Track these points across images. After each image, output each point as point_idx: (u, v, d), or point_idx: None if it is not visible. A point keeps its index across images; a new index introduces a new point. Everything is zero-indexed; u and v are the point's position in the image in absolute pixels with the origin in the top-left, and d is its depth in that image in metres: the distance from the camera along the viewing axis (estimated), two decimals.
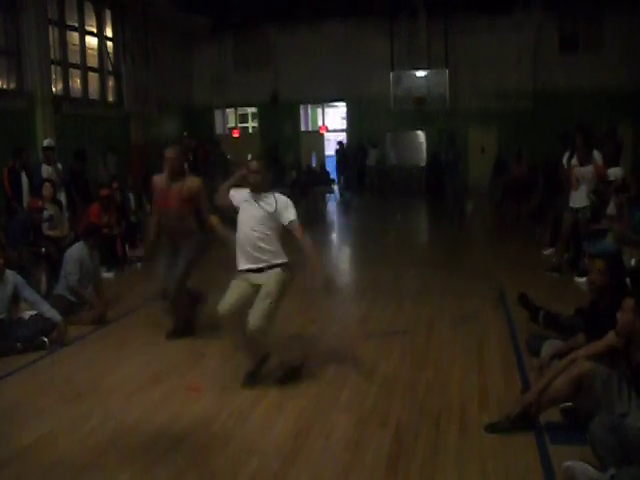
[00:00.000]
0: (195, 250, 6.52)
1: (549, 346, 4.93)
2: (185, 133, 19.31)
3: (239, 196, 5.40)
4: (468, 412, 4.64)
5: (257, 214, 5.24)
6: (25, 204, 10.06)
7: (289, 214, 5.23)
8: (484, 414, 4.57)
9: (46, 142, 11.67)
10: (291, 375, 5.36)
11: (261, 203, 5.26)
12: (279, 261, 5.26)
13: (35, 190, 10.08)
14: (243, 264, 5.28)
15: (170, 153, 6.45)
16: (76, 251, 7.57)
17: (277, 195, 5.35)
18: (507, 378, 5.26)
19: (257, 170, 5.32)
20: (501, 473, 3.81)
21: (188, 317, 6.73)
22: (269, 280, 5.17)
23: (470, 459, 3.97)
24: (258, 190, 5.32)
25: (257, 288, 5.17)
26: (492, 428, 4.29)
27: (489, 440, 4.18)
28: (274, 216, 5.21)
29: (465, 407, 4.73)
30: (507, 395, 4.88)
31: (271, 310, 5.12)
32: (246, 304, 5.13)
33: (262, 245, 5.22)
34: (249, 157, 20.50)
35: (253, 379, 5.29)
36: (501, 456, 3.98)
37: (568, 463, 3.63)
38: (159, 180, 6.59)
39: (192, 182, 6.49)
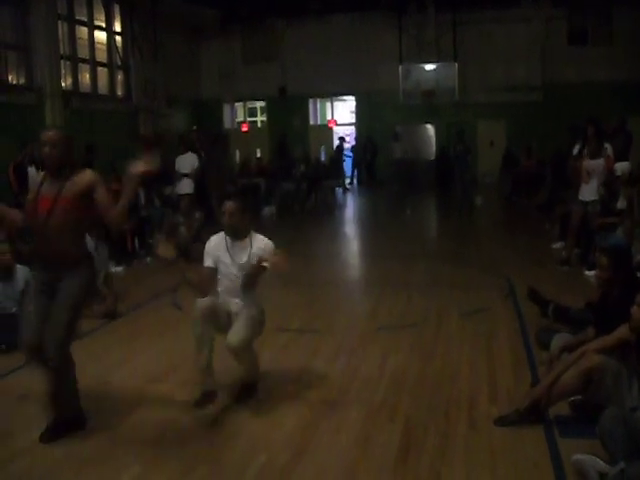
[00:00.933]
0: (81, 289, 4.29)
1: (559, 339, 4.92)
2: (194, 127, 19.33)
3: (214, 252, 4.89)
4: (477, 406, 4.64)
5: (236, 264, 4.81)
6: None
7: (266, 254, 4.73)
8: (493, 407, 4.57)
9: None
10: (247, 393, 4.92)
11: (243, 251, 4.83)
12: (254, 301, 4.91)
13: None
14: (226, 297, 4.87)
15: (46, 136, 4.26)
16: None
17: (258, 239, 4.89)
18: (516, 371, 5.25)
19: (232, 212, 4.80)
20: (510, 466, 3.80)
21: (76, 404, 4.45)
22: (248, 309, 4.80)
23: (479, 452, 3.97)
24: (236, 235, 4.87)
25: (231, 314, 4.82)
26: (501, 421, 4.29)
27: (498, 433, 4.17)
28: (254, 261, 4.76)
29: (474, 401, 4.73)
30: (516, 388, 4.87)
31: (251, 335, 4.72)
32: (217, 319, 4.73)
33: (237, 292, 4.85)
34: (258, 152, 20.63)
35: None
36: (510, 449, 3.98)
37: (577, 456, 3.63)
38: (33, 178, 4.76)
39: (81, 177, 4.26)
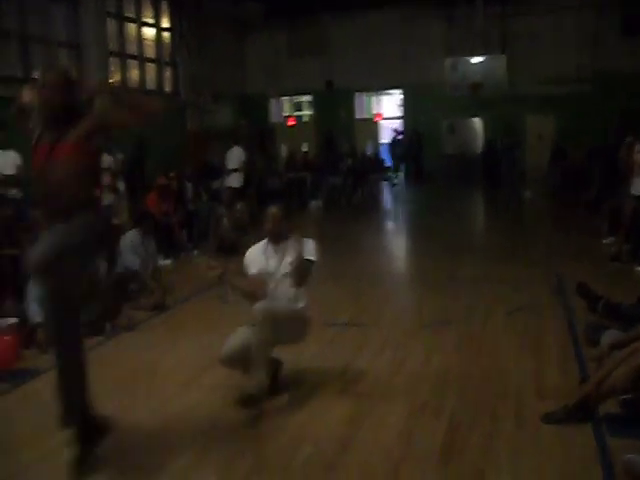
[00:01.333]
0: (79, 228, 3.70)
1: (609, 336, 4.85)
2: (243, 121, 19.45)
3: (256, 261, 4.98)
4: (524, 403, 4.59)
5: (275, 268, 4.91)
6: None
7: (308, 255, 4.82)
8: (540, 404, 4.50)
9: None
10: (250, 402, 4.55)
11: (283, 254, 4.91)
12: (300, 305, 4.94)
13: None
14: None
15: (46, 77, 3.89)
16: (129, 238, 7.77)
17: (297, 240, 4.91)
18: (565, 368, 5.18)
19: (276, 218, 4.94)
20: (557, 465, 3.75)
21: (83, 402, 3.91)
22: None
23: (525, 451, 3.92)
24: (276, 239, 4.97)
25: None
26: (549, 418, 4.23)
27: (545, 431, 4.12)
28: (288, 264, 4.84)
29: (521, 397, 4.68)
30: (564, 385, 4.80)
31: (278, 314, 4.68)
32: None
33: (285, 295, 4.92)
34: (304, 147, 20.65)
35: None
36: (557, 447, 3.93)
37: (628, 457, 3.56)
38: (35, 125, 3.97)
39: (86, 119, 3.83)
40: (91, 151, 3.80)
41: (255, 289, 4.84)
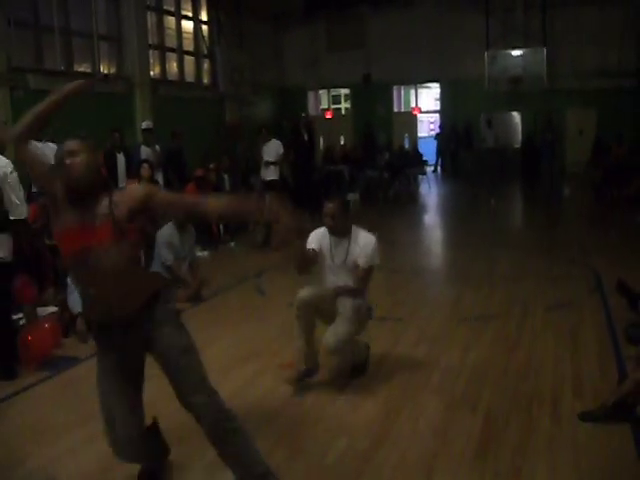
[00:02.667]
0: (182, 332, 3.48)
1: None
2: (303, 114, 19.44)
3: (319, 241, 4.94)
4: (561, 400, 4.55)
5: (337, 263, 4.91)
6: (122, 184, 10.32)
7: (367, 259, 4.84)
8: (578, 402, 4.47)
9: (145, 124, 11.99)
10: (358, 371, 5.11)
11: (346, 249, 4.88)
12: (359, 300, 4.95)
13: (133, 171, 10.38)
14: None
15: (73, 145, 3.16)
16: (165, 231, 7.85)
17: (362, 236, 4.91)
18: (603, 366, 5.12)
19: (332, 214, 4.84)
20: (595, 464, 3.71)
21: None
22: (352, 305, 4.84)
23: (562, 448, 3.89)
24: (337, 234, 4.91)
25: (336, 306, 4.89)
26: (586, 417, 4.18)
27: (582, 429, 4.08)
28: (354, 261, 4.84)
29: (558, 394, 4.64)
30: (602, 384, 4.75)
31: (349, 336, 4.78)
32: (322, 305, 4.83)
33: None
34: (341, 140, 20.60)
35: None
36: (595, 446, 3.89)
37: None
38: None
39: (130, 191, 3.38)
40: (135, 233, 3.25)
41: (302, 258, 4.74)
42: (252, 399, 4.75)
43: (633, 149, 15.61)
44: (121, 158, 10.64)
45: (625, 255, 9.10)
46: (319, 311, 4.83)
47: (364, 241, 4.88)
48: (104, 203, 3.15)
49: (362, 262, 4.83)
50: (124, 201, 3.18)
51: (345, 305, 4.82)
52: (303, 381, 4.92)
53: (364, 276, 4.87)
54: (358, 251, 4.83)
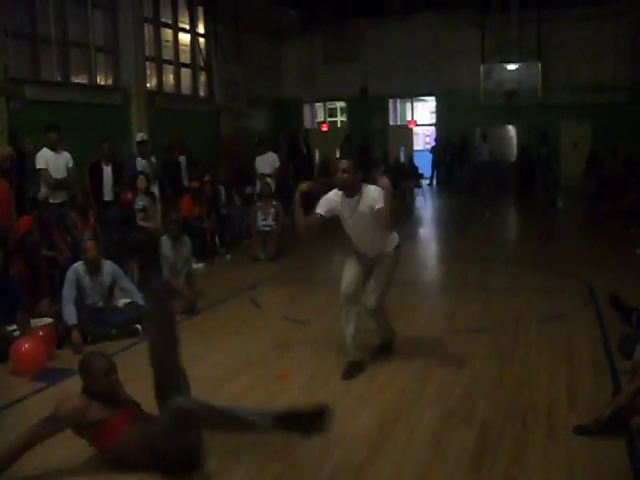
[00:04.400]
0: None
1: None
2: (305, 127, 19.72)
3: (330, 205, 5.30)
4: (556, 413, 4.55)
5: (359, 218, 5.23)
6: (108, 197, 10.06)
7: (379, 202, 5.10)
8: (572, 415, 4.47)
9: (139, 136, 12.00)
10: (384, 349, 5.84)
11: (356, 204, 5.21)
12: (391, 247, 5.45)
13: (126, 183, 10.24)
14: (358, 249, 5.48)
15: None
16: (160, 244, 7.86)
17: (369, 189, 5.21)
18: (597, 379, 5.13)
19: (345, 168, 5.17)
20: (589, 476, 3.72)
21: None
22: (383, 262, 5.41)
23: (556, 462, 3.89)
24: (349, 191, 5.22)
25: (370, 268, 5.44)
26: (581, 430, 4.19)
27: (577, 443, 4.08)
28: (372, 210, 5.14)
29: (552, 407, 4.64)
30: (597, 397, 4.75)
31: (386, 290, 5.48)
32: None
33: (375, 239, 5.35)
34: (337, 152, 20.71)
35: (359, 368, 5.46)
36: (589, 460, 3.89)
37: None
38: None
39: None
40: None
41: (306, 226, 5.28)
42: None
43: (627, 163, 15.66)
44: (108, 170, 10.17)
45: (618, 268, 9.13)
46: (360, 294, 5.45)
47: (372, 192, 5.19)
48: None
49: (379, 205, 5.08)
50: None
51: (381, 267, 5.41)
52: (353, 376, 5.32)
53: (386, 215, 5.08)
54: (369, 201, 5.14)
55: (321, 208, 5.27)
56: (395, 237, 5.49)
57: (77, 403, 3.86)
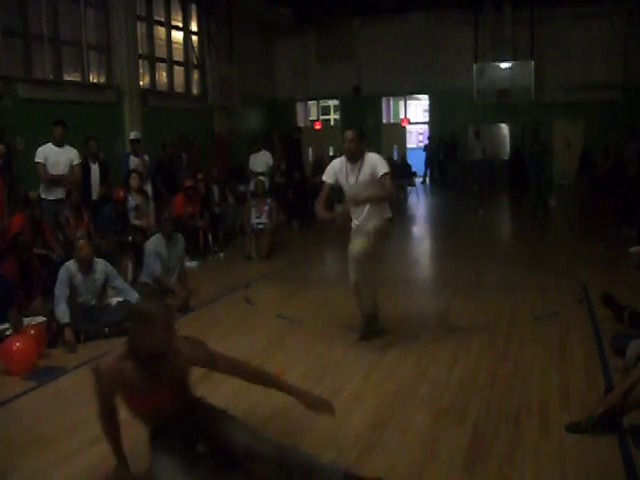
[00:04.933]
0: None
1: (635, 346, 4.79)
2: (299, 126, 19.91)
3: (334, 170, 6.07)
4: (548, 411, 4.56)
5: (360, 181, 5.88)
6: (95, 196, 9.97)
7: (381, 169, 5.80)
8: (565, 414, 4.49)
9: (132, 134, 11.98)
10: (371, 329, 6.17)
11: (358, 170, 5.89)
12: (384, 216, 6.01)
13: (116, 181, 10.17)
14: (355, 220, 6.10)
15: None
16: (152, 242, 7.88)
17: (369, 156, 5.93)
18: (590, 378, 5.14)
19: (350, 138, 5.89)
20: (581, 475, 3.73)
21: None
22: (372, 221, 5.93)
23: (549, 459, 3.90)
24: (353, 158, 5.92)
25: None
26: (573, 428, 4.20)
27: (569, 440, 4.10)
28: (373, 177, 5.82)
29: (545, 406, 4.65)
30: (589, 395, 4.77)
31: (369, 243, 5.83)
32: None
33: (371, 208, 5.95)
34: (330, 151, 20.71)
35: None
36: (582, 458, 3.90)
37: None
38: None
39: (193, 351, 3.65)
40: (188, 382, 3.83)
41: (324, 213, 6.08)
42: (241, 410, 4.72)
43: (619, 161, 15.70)
44: (95, 168, 10.05)
45: (611, 266, 9.16)
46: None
47: (372, 159, 5.92)
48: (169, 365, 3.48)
49: (381, 171, 5.81)
50: (186, 362, 3.60)
51: (367, 225, 5.95)
52: (368, 339, 6.09)
53: (388, 181, 5.81)
54: (369, 169, 5.85)
55: (327, 175, 6.13)
56: (388, 211, 6.04)
57: (114, 361, 3.43)
